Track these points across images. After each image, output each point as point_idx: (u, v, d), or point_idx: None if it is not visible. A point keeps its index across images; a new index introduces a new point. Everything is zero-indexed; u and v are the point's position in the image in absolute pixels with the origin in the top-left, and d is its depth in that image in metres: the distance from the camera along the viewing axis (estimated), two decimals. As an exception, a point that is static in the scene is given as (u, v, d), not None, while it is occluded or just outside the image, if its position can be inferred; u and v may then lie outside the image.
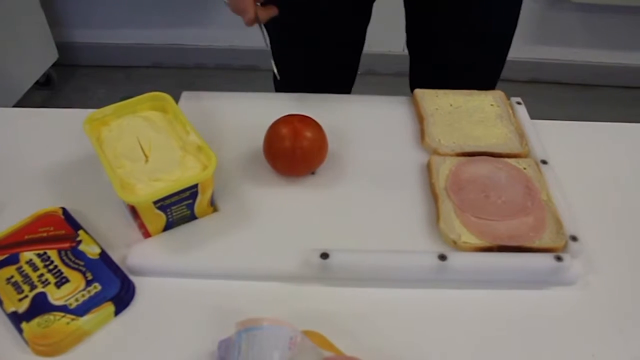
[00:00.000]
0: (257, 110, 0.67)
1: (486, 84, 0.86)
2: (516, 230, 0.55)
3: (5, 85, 1.69)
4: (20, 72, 1.76)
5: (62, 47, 1.95)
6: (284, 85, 0.96)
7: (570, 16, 1.93)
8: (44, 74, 1.89)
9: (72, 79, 2.05)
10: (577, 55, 2.02)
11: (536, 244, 0.54)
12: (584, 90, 2.06)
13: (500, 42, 0.87)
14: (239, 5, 0.65)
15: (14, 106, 1.68)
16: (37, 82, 1.86)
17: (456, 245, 0.54)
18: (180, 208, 0.54)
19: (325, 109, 0.70)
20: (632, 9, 1.87)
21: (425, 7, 0.84)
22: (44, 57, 1.88)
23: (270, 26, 0.76)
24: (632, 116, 1.96)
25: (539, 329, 0.50)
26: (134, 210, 0.52)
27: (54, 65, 1.92)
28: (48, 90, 1.97)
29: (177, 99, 0.71)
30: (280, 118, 0.61)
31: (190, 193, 0.53)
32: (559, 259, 0.52)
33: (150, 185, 0.53)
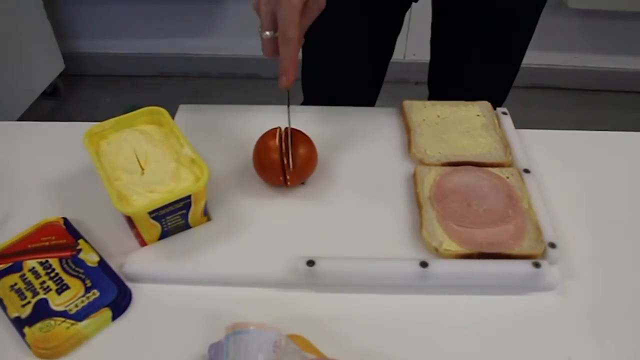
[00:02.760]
0: (251, 123, 0.69)
1: (502, 84, 0.93)
2: (496, 238, 0.57)
3: (13, 95, 1.72)
4: (27, 83, 1.79)
5: (69, 57, 1.98)
6: (311, 99, 0.98)
7: (569, 21, 1.95)
8: (50, 84, 1.92)
9: (78, 88, 2.08)
10: (577, 61, 2.03)
11: (515, 250, 0.56)
12: (583, 95, 2.07)
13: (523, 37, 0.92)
14: (283, 64, 0.56)
15: (21, 116, 1.71)
16: (44, 92, 1.89)
17: (438, 253, 0.56)
18: (174, 218, 0.57)
19: (316, 121, 0.73)
20: (630, 14, 1.89)
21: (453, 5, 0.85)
22: (51, 67, 1.91)
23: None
24: (632, 120, 1.98)
25: (518, 334, 0.52)
26: (130, 221, 0.55)
27: (60, 75, 1.95)
28: (55, 100, 2.00)
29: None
30: (269, 131, 0.63)
31: (184, 204, 0.56)
32: (536, 265, 0.54)
33: (146, 196, 0.55)
